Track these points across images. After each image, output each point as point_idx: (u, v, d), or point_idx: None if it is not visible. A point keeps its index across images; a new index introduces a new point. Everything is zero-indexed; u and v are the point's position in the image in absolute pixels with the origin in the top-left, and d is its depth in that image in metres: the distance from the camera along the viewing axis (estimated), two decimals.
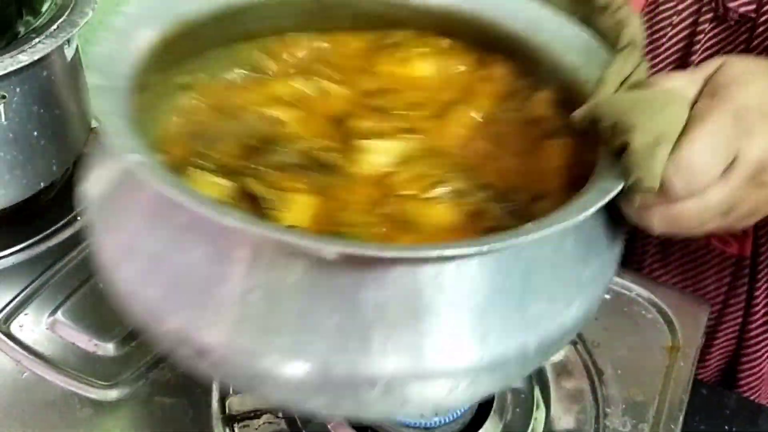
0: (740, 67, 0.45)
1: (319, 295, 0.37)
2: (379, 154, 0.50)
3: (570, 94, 0.55)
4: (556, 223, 0.39)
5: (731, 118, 0.42)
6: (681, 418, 0.65)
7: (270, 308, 0.37)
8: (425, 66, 0.61)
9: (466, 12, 0.62)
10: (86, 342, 0.69)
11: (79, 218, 0.85)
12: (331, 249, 0.35)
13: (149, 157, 0.40)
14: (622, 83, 0.48)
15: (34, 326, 0.71)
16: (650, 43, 0.80)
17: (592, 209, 0.40)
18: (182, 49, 0.56)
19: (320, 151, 0.50)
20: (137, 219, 0.42)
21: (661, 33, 0.79)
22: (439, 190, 0.48)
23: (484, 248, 0.36)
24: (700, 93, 0.45)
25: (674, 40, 0.79)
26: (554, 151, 0.52)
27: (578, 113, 0.46)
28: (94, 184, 0.48)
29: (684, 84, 0.45)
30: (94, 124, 1.00)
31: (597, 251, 0.46)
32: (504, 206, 0.48)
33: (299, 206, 0.45)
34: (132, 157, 0.39)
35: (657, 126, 0.41)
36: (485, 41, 0.62)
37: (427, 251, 0.38)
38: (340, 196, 0.47)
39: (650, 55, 0.83)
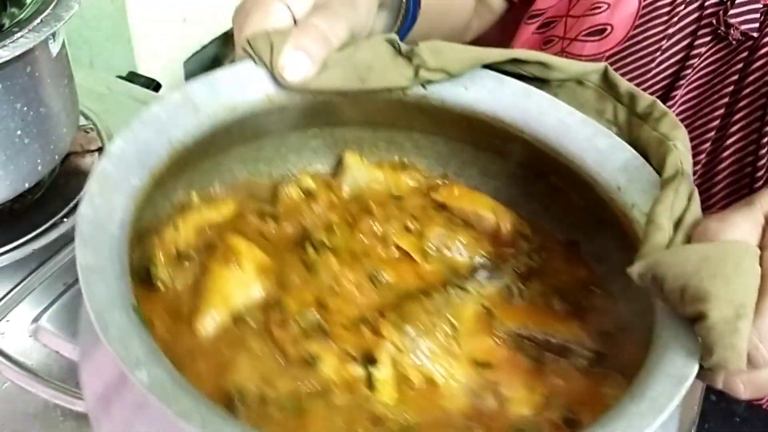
0: None
1: None
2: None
3: (606, 215, 0.50)
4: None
5: None
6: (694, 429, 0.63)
7: None
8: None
9: (486, 113, 0.55)
10: (70, 350, 0.64)
11: (65, 220, 0.79)
12: None
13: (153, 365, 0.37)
14: (676, 225, 0.41)
15: (17, 334, 0.66)
16: (638, 60, 0.72)
17: (673, 405, 0.35)
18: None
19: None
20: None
21: (651, 50, 0.71)
22: None
23: None
24: (764, 234, 0.39)
25: (666, 59, 0.71)
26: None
27: (636, 270, 0.40)
28: (93, 380, 0.43)
29: (747, 229, 0.39)
30: (81, 122, 0.95)
31: None
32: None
33: None
34: (140, 374, 0.36)
35: (735, 295, 0.36)
36: (504, 148, 0.57)
37: None
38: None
39: (638, 79, 0.74)
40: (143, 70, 1.57)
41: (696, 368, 0.38)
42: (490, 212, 0.62)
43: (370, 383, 0.48)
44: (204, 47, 1.87)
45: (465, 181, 0.65)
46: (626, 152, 0.53)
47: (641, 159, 0.53)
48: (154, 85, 1.33)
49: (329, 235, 0.58)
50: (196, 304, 0.52)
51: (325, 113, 0.62)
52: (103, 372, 0.44)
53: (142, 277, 0.54)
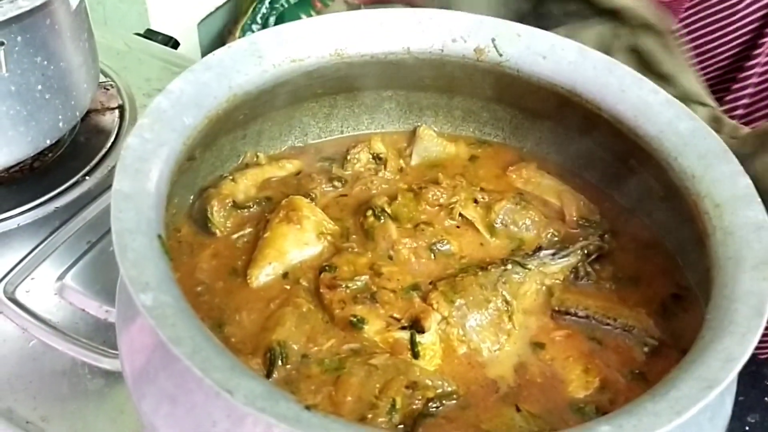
0: None
1: None
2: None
3: (680, 204, 0.61)
4: None
5: None
6: None
7: None
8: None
9: (565, 86, 0.70)
10: (96, 308, 0.80)
11: (88, 177, 0.95)
12: None
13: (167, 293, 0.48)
14: None
15: (42, 292, 0.82)
16: (698, 39, 0.85)
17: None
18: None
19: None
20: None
21: (716, 28, 0.85)
22: None
23: None
24: None
25: (731, 37, 0.85)
26: None
27: None
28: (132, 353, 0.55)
29: None
30: (101, 79, 1.18)
31: None
32: None
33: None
34: (144, 297, 0.46)
35: None
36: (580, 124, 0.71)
37: None
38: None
39: (698, 58, 0.87)
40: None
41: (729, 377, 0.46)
42: (555, 198, 0.74)
43: (413, 349, 0.58)
44: (218, 8, 2.15)
45: (541, 159, 0.78)
46: (709, 138, 0.62)
47: (723, 146, 0.61)
48: (173, 43, 1.50)
49: (392, 203, 0.70)
50: (252, 255, 0.65)
51: (400, 75, 0.74)
52: (142, 344, 0.54)
53: (200, 225, 0.68)
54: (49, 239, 0.89)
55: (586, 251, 0.67)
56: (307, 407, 0.42)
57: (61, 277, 0.84)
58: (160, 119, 0.59)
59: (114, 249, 0.48)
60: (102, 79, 1.11)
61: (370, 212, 0.69)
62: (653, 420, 0.44)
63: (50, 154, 0.98)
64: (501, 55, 0.70)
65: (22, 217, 0.92)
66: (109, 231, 0.52)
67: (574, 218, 0.71)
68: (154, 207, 0.54)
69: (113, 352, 0.77)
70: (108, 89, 1.09)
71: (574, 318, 0.63)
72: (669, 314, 0.64)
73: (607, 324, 0.62)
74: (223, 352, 0.45)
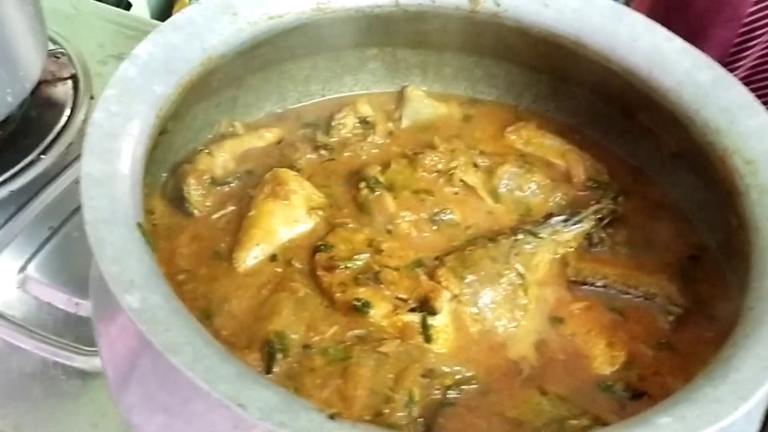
0: None
1: None
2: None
3: (701, 162, 0.58)
4: None
5: None
6: None
7: None
8: None
9: (568, 36, 0.66)
10: (65, 301, 0.74)
11: (44, 156, 0.87)
12: None
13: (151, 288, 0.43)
14: None
15: (2, 286, 0.75)
16: None
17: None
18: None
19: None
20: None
21: None
22: None
23: None
24: None
25: None
26: None
27: None
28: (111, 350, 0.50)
29: None
30: (50, 46, 1.09)
31: None
32: None
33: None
34: (130, 298, 0.42)
35: None
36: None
37: None
38: None
39: None
40: None
41: None
42: (560, 159, 0.69)
43: (425, 333, 0.54)
44: None
45: (539, 118, 0.73)
46: (732, 87, 0.58)
47: (749, 96, 0.57)
48: (125, 4, 1.45)
49: (385, 171, 0.65)
50: (237, 237, 0.60)
51: (386, 31, 0.69)
52: (126, 347, 0.49)
53: (176, 205, 0.62)
54: (5, 227, 0.82)
55: (599, 216, 0.63)
56: (332, 416, 0.37)
57: (22, 269, 0.79)
58: (127, 89, 0.53)
59: (87, 240, 0.43)
60: (51, 46, 1.02)
61: (363, 184, 0.63)
62: (717, 408, 0.40)
63: (0, 132, 0.90)
64: (498, 5, 0.64)
65: None
66: (73, 214, 0.46)
67: (582, 180, 0.67)
68: (130, 191, 0.49)
69: (88, 349, 0.71)
70: (58, 57, 1.01)
71: (591, 288, 0.59)
72: (689, 278, 0.61)
73: (627, 293, 0.59)
74: (228, 359, 0.41)
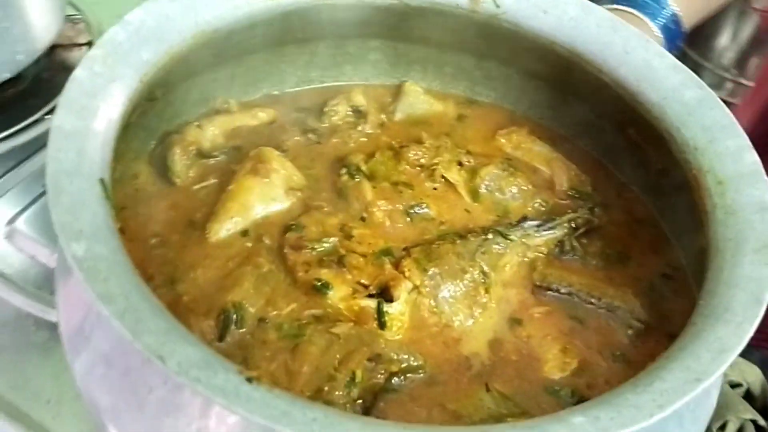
0: None
1: None
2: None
3: (679, 178, 0.58)
4: None
5: None
6: None
7: None
8: None
9: (564, 44, 0.67)
10: (47, 256, 0.76)
11: (48, 117, 0.89)
12: None
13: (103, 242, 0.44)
14: None
15: None
16: None
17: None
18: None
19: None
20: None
21: None
22: None
23: None
24: None
25: None
26: None
27: None
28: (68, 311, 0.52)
29: None
30: (69, 11, 1.11)
31: None
32: None
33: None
34: (76, 246, 0.42)
35: None
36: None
37: None
38: None
39: None
40: None
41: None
42: (545, 166, 0.70)
43: (379, 319, 0.55)
44: None
45: (534, 124, 0.74)
46: (715, 108, 0.59)
47: (731, 118, 0.58)
48: None
49: (368, 161, 0.66)
50: (214, 208, 0.61)
51: (387, 23, 0.70)
52: (79, 299, 0.50)
53: (160, 172, 0.64)
54: (3, 179, 0.84)
55: (573, 224, 0.64)
56: (249, 379, 0.38)
57: (12, 221, 0.81)
58: (114, 52, 0.55)
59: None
60: (70, 11, 1.05)
61: (344, 170, 0.64)
62: (633, 413, 0.41)
63: (10, 89, 0.93)
64: (498, 6, 0.65)
65: None
66: None
67: (564, 188, 0.68)
68: (100, 148, 0.50)
69: None
70: (76, 23, 1.03)
71: (555, 294, 0.60)
72: (657, 296, 0.61)
73: (591, 302, 0.59)
74: (161, 313, 0.41)
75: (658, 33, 0.82)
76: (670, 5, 0.83)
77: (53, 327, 0.67)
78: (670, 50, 0.81)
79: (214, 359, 0.39)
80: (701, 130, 0.58)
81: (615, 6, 0.83)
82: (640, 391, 0.42)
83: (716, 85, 1.57)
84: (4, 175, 0.85)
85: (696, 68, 0.90)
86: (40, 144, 0.88)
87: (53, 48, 0.94)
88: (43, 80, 0.95)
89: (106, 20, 1.08)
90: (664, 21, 0.83)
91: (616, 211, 0.67)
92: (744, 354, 0.81)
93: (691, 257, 0.60)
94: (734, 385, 0.80)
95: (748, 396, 0.79)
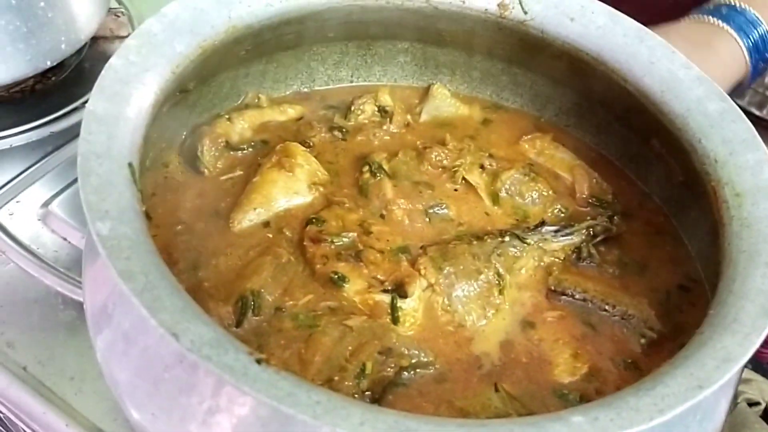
0: None
1: None
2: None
3: (700, 190, 0.59)
4: None
5: None
6: None
7: None
8: None
9: (590, 52, 0.68)
10: (79, 239, 0.77)
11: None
12: None
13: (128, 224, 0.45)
14: None
15: (25, 216, 0.80)
16: None
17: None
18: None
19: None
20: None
21: None
22: None
23: None
24: None
25: None
26: None
27: None
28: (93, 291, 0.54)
29: None
30: (113, 5, 1.15)
31: None
32: None
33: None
34: (101, 225, 0.44)
35: None
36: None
37: None
38: None
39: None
40: None
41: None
42: (567, 173, 0.71)
43: (393, 314, 0.56)
44: None
45: (559, 131, 0.75)
46: (737, 121, 0.59)
47: (753, 131, 0.58)
48: None
49: (391, 159, 0.68)
50: (238, 199, 0.63)
51: (418, 26, 0.71)
52: (105, 277, 0.52)
53: (189, 162, 0.66)
54: (40, 163, 0.87)
55: (591, 231, 0.64)
56: (258, 360, 0.39)
57: (47, 204, 0.83)
58: (149, 42, 0.57)
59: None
60: (114, 5, 1.08)
61: (366, 168, 0.66)
62: (632, 415, 0.41)
63: (53, 78, 0.96)
64: (526, 12, 0.66)
65: (16, 138, 0.90)
66: None
67: (585, 196, 0.68)
68: (130, 133, 0.52)
69: None
70: (119, 16, 1.06)
71: (570, 299, 0.60)
72: (673, 306, 0.61)
73: (605, 310, 0.60)
74: (178, 293, 0.43)
75: (745, 53, 0.83)
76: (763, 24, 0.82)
77: (80, 307, 0.69)
78: (754, 76, 0.80)
79: (226, 339, 0.41)
80: (722, 143, 0.58)
81: (701, 16, 0.82)
82: (641, 394, 0.42)
83: (758, 104, 1.55)
84: (42, 159, 0.87)
85: (738, 86, 0.89)
86: (77, 131, 0.91)
87: (95, 39, 0.97)
88: (84, 70, 0.98)
89: (148, 14, 1.11)
90: (754, 41, 0.83)
91: (636, 221, 0.67)
92: (765, 372, 0.81)
93: (709, 270, 0.60)
94: (752, 404, 0.79)
95: (767, 415, 0.78)
